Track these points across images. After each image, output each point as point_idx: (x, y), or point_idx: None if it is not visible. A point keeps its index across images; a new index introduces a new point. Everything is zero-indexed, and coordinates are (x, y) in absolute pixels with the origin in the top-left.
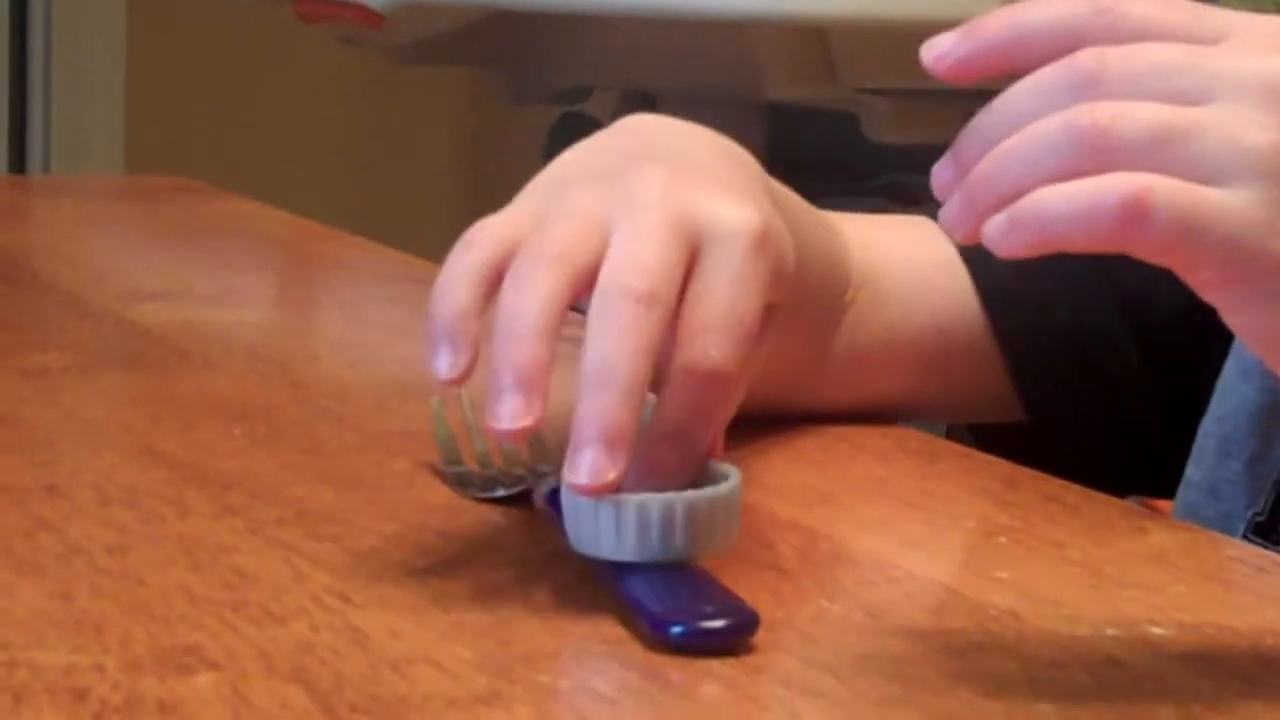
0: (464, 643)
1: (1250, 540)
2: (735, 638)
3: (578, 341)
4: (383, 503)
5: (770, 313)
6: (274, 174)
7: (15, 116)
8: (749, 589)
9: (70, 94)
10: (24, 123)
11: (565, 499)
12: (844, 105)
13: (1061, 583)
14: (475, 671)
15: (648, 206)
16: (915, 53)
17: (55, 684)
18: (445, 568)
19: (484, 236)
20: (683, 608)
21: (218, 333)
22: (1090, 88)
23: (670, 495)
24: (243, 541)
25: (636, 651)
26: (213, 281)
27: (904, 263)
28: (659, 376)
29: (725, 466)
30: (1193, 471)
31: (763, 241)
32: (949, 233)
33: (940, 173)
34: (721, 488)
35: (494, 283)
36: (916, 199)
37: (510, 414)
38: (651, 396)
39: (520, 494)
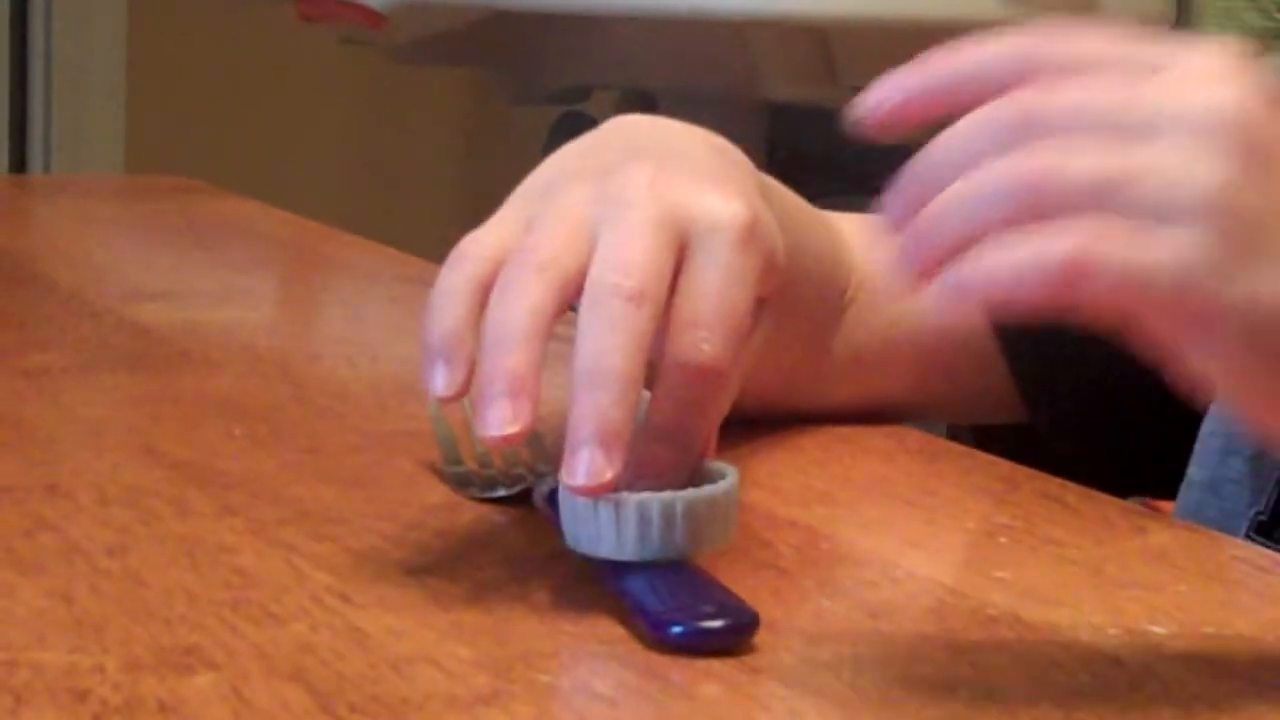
0: (464, 642)
1: (1253, 539)
2: (735, 638)
3: (573, 340)
4: (383, 502)
5: (761, 306)
6: (275, 174)
7: (16, 116)
8: (749, 589)
9: (71, 94)
10: (24, 122)
11: (563, 499)
12: (844, 106)
13: (1062, 582)
14: (475, 671)
15: (634, 203)
16: (916, 53)
17: (55, 684)
18: (445, 567)
19: (473, 250)
20: (682, 608)
21: (218, 332)
22: (1031, 128)
23: (669, 494)
24: (243, 541)
25: (636, 651)
26: (213, 281)
27: None
28: (652, 373)
29: (722, 466)
30: (1194, 471)
31: (751, 234)
32: (895, 281)
33: (884, 216)
34: (720, 486)
35: (486, 296)
36: None
37: (499, 420)
38: (646, 393)
39: (520, 494)
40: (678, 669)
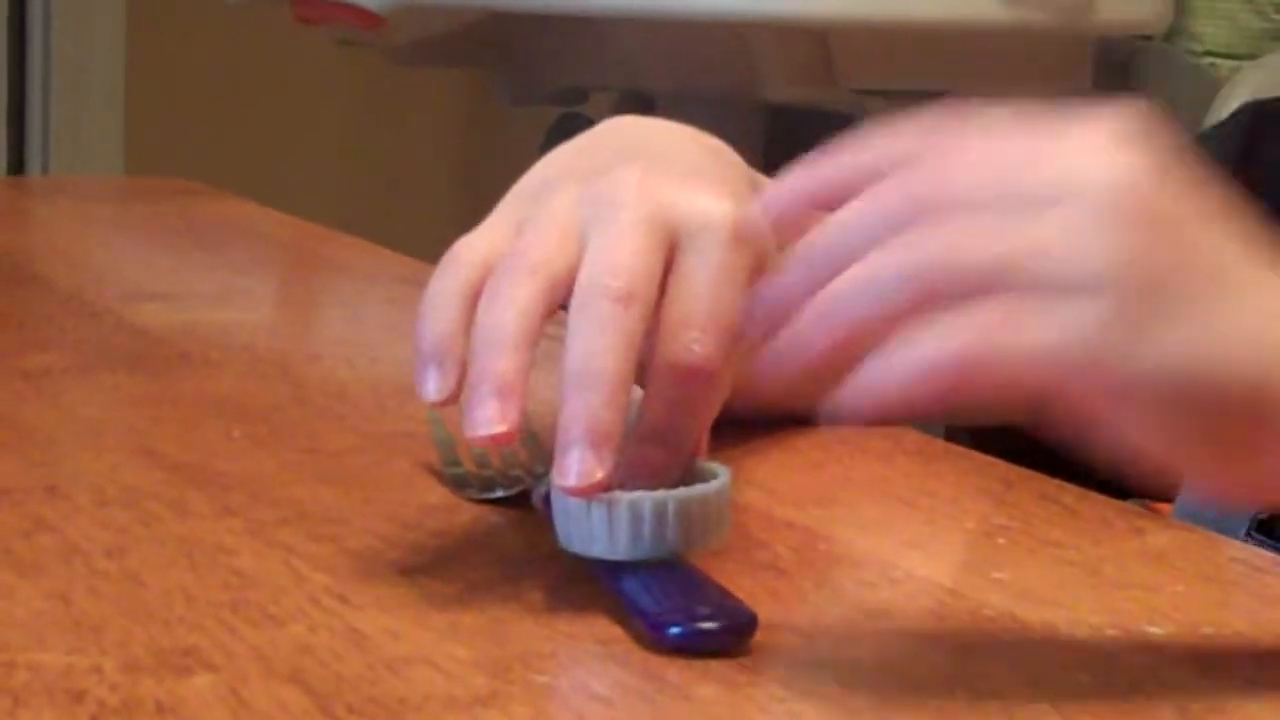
0: (462, 643)
1: (1252, 538)
2: (733, 638)
3: (564, 341)
4: (382, 503)
5: None
6: (273, 175)
7: (14, 117)
8: (747, 589)
9: (70, 95)
10: (23, 124)
11: (555, 500)
12: (843, 107)
13: (1060, 583)
14: (473, 672)
15: (624, 204)
16: (914, 54)
17: (53, 685)
18: (443, 568)
19: (464, 255)
20: (680, 608)
21: (217, 333)
22: (922, 210)
23: (661, 494)
24: (242, 542)
25: (634, 652)
26: (212, 282)
27: None
28: (643, 374)
29: (714, 465)
30: None
31: (741, 233)
32: (774, 368)
33: (765, 300)
34: (712, 485)
35: (477, 300)
36: None
37: (485, 420)
38: (638, 391)
39: (518, 495)
40: (675, 670)
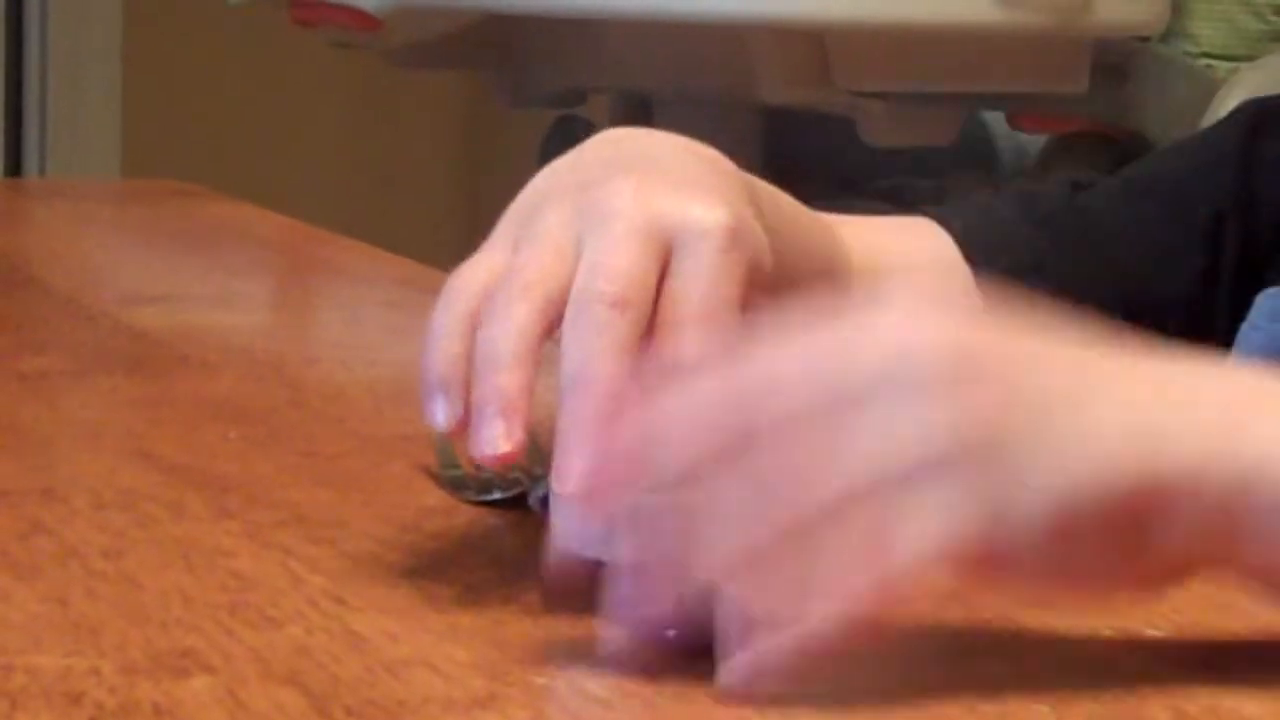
0: (460, 645)
1: None
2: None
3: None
4: (379, 506)
5: (746, 309)
6: (271, 177)
7: (11, 119)
8: None
9: (67, 97)
10: (20, 125)
11: (553, 503)
12: (840, 109)
13: None
14: (471, 674)
15: (618, 214)
16: (911, 56)
17: (51, 687)
18: (441, 571)
19: (463, 285)
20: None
21: (215, 336)
22: (751, 421)
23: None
24: (239, 545)
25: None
26: (210, 285)
27: (903, 263)
28: None
29: None
30: None
31: (735, 239)
32: (616, 631)
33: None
34: None
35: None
36: (914, 202)
37: (490, 439)
38: None
39: (516, 497)
40: (674, 671)
